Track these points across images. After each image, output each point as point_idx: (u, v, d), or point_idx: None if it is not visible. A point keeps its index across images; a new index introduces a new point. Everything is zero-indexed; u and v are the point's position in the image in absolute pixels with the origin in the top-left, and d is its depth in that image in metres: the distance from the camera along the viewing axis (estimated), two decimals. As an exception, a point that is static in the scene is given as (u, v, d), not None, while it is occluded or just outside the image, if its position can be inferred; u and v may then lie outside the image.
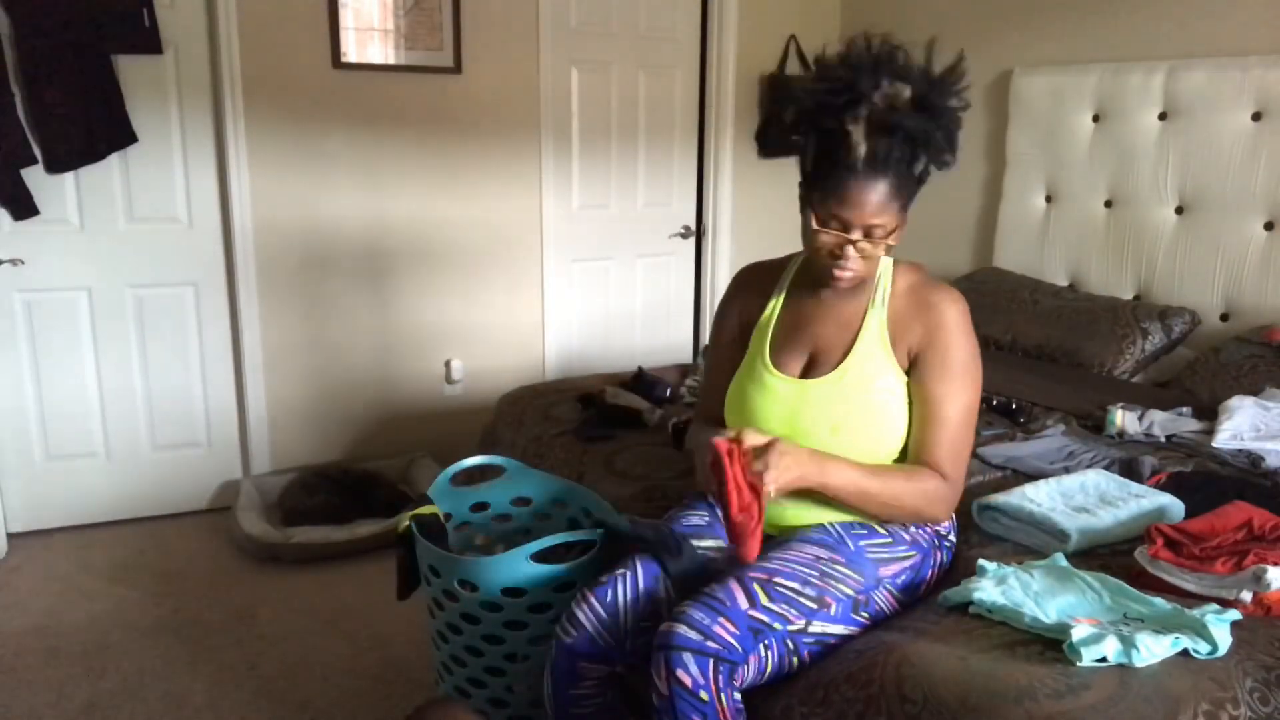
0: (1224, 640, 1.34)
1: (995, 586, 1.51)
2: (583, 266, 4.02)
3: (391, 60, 3.48)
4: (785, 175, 4.33)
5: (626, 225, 4.10)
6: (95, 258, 3.21)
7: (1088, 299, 3.21)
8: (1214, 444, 2.22)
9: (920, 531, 1.67)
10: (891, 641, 1.45)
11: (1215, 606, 1.41)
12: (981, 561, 1.59)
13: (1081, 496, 1.85)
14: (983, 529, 1.82)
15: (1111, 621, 1.41)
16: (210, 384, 3.46)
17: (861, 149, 1.49)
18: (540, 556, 1.76)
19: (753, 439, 1.49)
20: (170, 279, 3.33)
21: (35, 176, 3.05)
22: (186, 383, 3.42)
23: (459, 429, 3.75)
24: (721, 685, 1.39)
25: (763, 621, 1.45)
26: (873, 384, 1.62)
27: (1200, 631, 1.34)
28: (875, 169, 1.50)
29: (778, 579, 1.50)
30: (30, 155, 3.01)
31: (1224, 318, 3.04)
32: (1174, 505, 1.79)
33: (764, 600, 1.46)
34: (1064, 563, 1.57)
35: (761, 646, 1.45)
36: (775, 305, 1.76)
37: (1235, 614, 1.40)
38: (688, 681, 1.37)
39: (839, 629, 1.52)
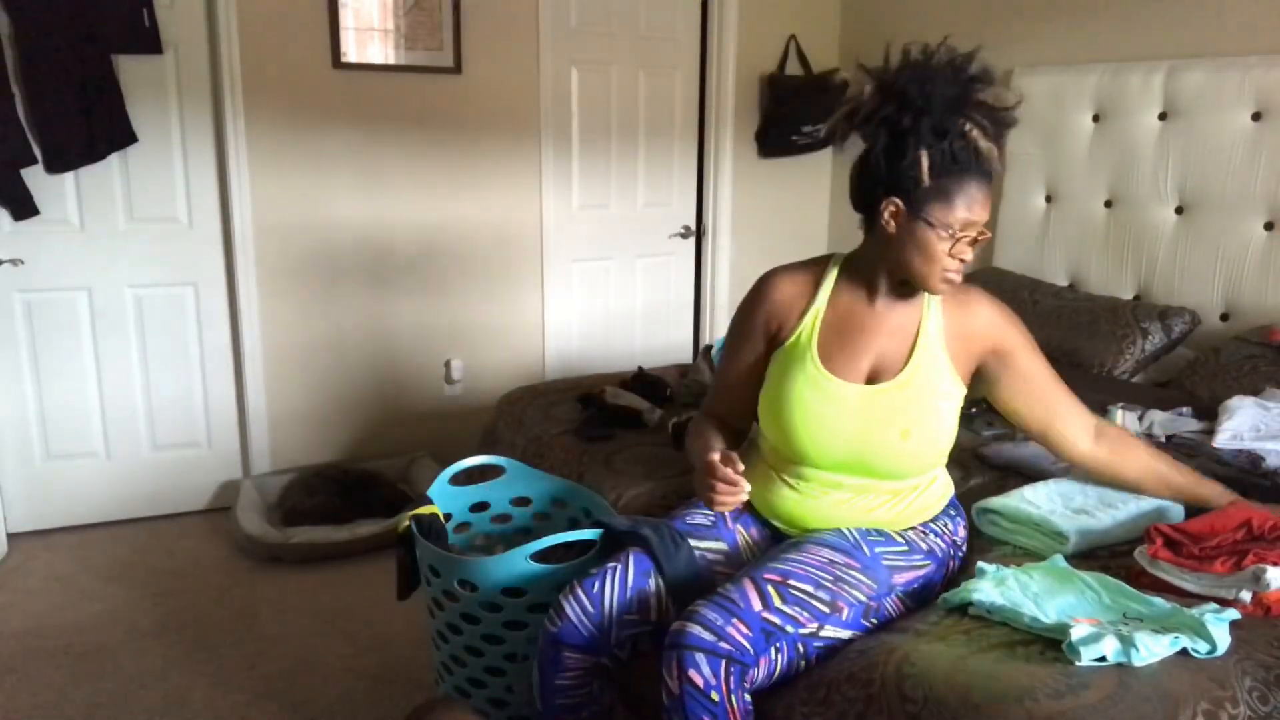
0: (1223, 640, 1.34)
1: (995, 587, 1.51)
2: (583, 266, 4.02)
3: (391, 60, 3.48)
4: (785, 175, 4.36)
5: (626, 225, 4.09)
6: (95, 258, 3.21)
7: (1088, 299, 3.21)
8: (1214, 444, 2.22)
9: (939, 539, 1.67)
10: (892, 641, 1.45)
11: (1214, 606, 1.41)
12: (981, 564, 1.59)
13: (1080, 498, 1.85)
14: (982, 532, 1.82)
15: (1111, 621, 1.41)
16: (210, 384, 3.46)
17: (980, 147, 1.52)
18: (540, 556, 1.77)
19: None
20: (170, 279, 3.33)
21: (35, 176, 3.05)
22: (186, 383, 3.42)
23: (459, 429, 3.75)
24: (733, 687, 1.39)
25: (775, 624, 1.45)
26: (937, 388, 1.64)
27: (1199, 631, 1.34)
28: (976, 169, 1.54)
29: (792, 581, 1.50)
30: (30, 155, 3.01)
31: (1224, 318, 3.04)
32: (1173, 506, 1.79)
33: (777, 602, 1.46)
34: (1063, 564, 1.57)
35: (773, 649, 1.45)
36: (818, 312, 1.70)
37: (1234, 614, 1.40)
38: (699, 681, 1.38)
39: (847, 634, 1.53)
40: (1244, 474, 2.08)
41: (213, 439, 3.50)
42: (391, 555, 2.08)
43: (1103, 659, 1.29)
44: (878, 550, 1.61)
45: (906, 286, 1.65)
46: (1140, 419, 2.38)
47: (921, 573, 1.63)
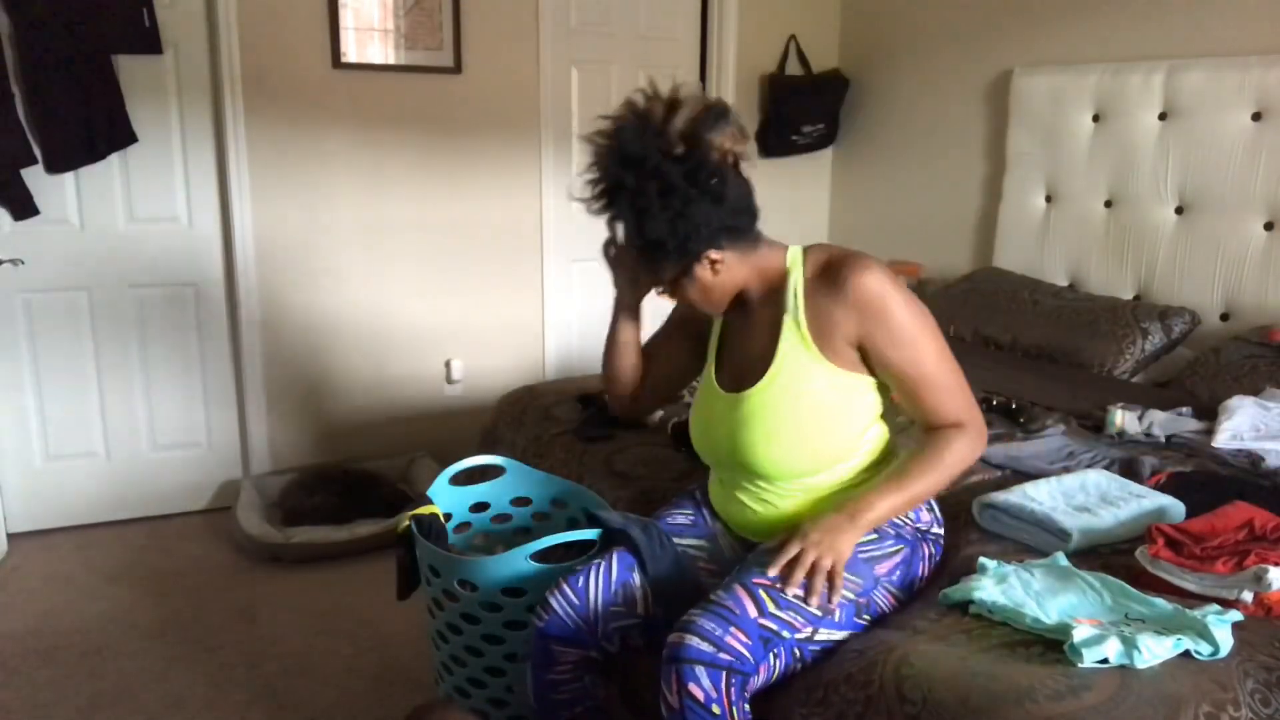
0: (1225, 641, 1.34)
1: (996, 585, 1.50)
2: (583, 266, 4.02)
3: (391, 60, 3.48)
4: (785, 175, 4.35)
5: (626, 225, 4.08)
6: (95, 258, 3.21)
7: (1088, 299, 3.21)
8: (1214, 444, 2.21)
9: (902, 527, 1.65)
10: (891, 641, 1.44)
11: (1216, 607, 1.40)
12: (982, 560, 1.59)
13: (1082, 496, 1.85)
14: (983, 527, 1.81)
15: (1113, 622, 1.41)
16: (210, 384, 3.46)
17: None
18: (540, 556, 1.77)
19: (779, 562, 1.49)
20: (170, 279, 3.33)
21: (35, 176, 3.05)
22: (186, 382, 3.42)
23: (459, 429, 3.74)
24: (734, 699, 1.38)
25: (772, 630, 1.44)
26: (802, 389, 1.57)
27: (1201, 632, 1.34)
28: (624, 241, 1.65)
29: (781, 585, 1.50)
30: (30, 155, 3.01)
31: (1224, 318, 3.04)
32: (1174, 506, 1.79)
33: (772, 608, 1.45)
34: (1065, 562, 1.57)
35: (771, 656, 1.44)
36: (718, 323, 1.75)
37: (1236, 614, 1.39)
38: (700, 695, 1.36)
39: (843, 634, 1.52)
40: (1244, 474, 2.08)
41: (213, 439, 3.50)
42: (391, 555, 2.08)
43: (1105, 661, 1.29)
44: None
45: (765, 287, 1.63)
46: (1140, 419, 2.38)
47: (898, 558, 1.61)
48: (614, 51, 3.91)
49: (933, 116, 4.00)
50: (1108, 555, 1.67)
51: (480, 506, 2.16)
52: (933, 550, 1.70)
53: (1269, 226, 2.94)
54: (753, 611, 1.44)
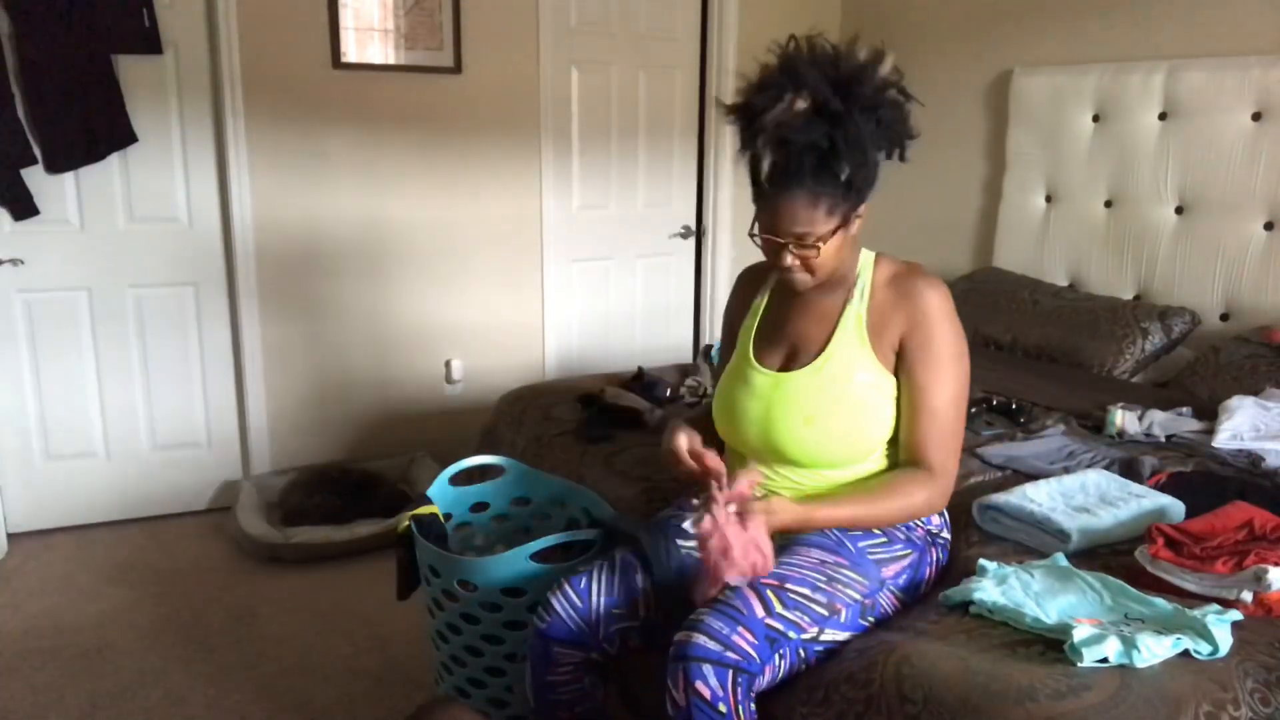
0: (1225, 641, 1.34)
1: (996, 586, 1.50)
2: (582, 266, 4.02)
3: (391, 60, 3.48)
4: (785, 175, 4.35)
5: (626, 225, 4.09)
6: (95, 258, 3.21)
7: (1088, 299, 3.21)
8: (1214, 444, 2.22)
9: (913, 530, 1.67)
10: (892, 641, 1.44)
11: (1216, 607, 1.41)
12: (982, 561, 1.59)
13: (1082, 496, 1.85)
14: (983, 528, 1.82)
15: (1112, 622, 1.41)
16: (210, 384, 3.46)
17: (764, 166, 1.52)
18: (540, 556, 1.77)
19: (740, 488, 1.48)
20: (170, 279, 3.33)
21: (35, 176, 3.05)
22: (186, 382, 3.42)
23: (459, 429, 3.74)
24: (740, 698, 1.38)
25: (778, 630, 1.44)
26: (851, 377, 1.61)
27: (1201, 632, 1.34)
28: (785, 183, 1.52)
29: (789, 585, 1.49)
30: (30, 155, 3.01)
31: (1224, 318, 3.04)
32: (1174, 506, 1.79)
33: (778, 607, 1.46)
34: (1065, 563, 1.57)
35: (777, 656, 1.44)
36: (760, 303, 1.78)
37: (1236, 614, 1.40)
38: (706, 694, 1.36)
39: (847, 635, 1.53)
40: (1244, 474, 2.08)
41: (213, 439, 3.50)
42: (391, 555, 2.08)
43: (1105, 660, 1.29)
44: (860, 545, 1.61)
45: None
46: (1140, 419, 2.38)
47: (906, 562, 1.63)
48: (614, 51, 3.91)
49: (932, 116, 3.98)
50: (1107, 556, 1.67)
51: (480, 506, 2.17)
52: (940, 555, 1.71)
53: (1269, 226, 2.94)
54: (760, 611, 1.44)
